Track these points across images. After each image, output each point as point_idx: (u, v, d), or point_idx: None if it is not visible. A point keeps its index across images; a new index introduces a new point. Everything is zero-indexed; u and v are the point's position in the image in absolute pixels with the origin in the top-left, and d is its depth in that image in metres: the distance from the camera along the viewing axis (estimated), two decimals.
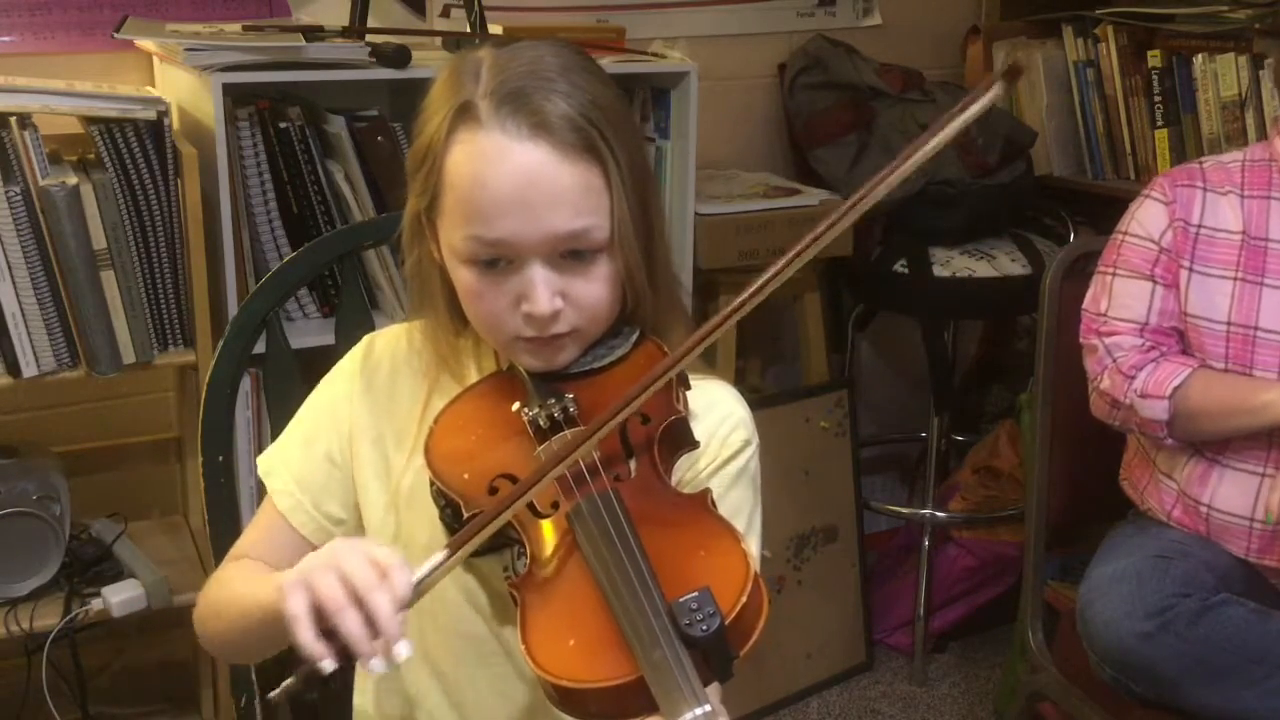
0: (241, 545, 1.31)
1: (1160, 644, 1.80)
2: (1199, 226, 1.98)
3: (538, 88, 1.12)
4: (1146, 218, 2.02)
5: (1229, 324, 1.95)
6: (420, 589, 1.04)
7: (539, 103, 1.12)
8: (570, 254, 1.14)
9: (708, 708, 0.92)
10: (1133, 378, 1.96)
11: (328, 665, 0.99)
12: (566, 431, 1.14)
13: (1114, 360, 1.99)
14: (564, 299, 1.15)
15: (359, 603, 0.99)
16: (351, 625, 0.99)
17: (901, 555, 3.08)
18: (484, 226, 1.12)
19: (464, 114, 1.13)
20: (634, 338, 1.22)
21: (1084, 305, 2.06)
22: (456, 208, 1.14)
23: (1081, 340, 2.05)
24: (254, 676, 1.55)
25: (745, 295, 1.09)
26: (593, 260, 1.15)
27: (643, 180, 1.18)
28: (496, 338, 1.20)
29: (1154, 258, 1.99)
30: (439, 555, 1.06)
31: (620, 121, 1.16)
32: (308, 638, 0.99)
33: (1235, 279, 1.95)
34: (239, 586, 1.22)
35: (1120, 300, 2.01)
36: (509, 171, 1.11)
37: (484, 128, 1.12)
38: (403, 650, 0.99)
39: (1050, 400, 2.15)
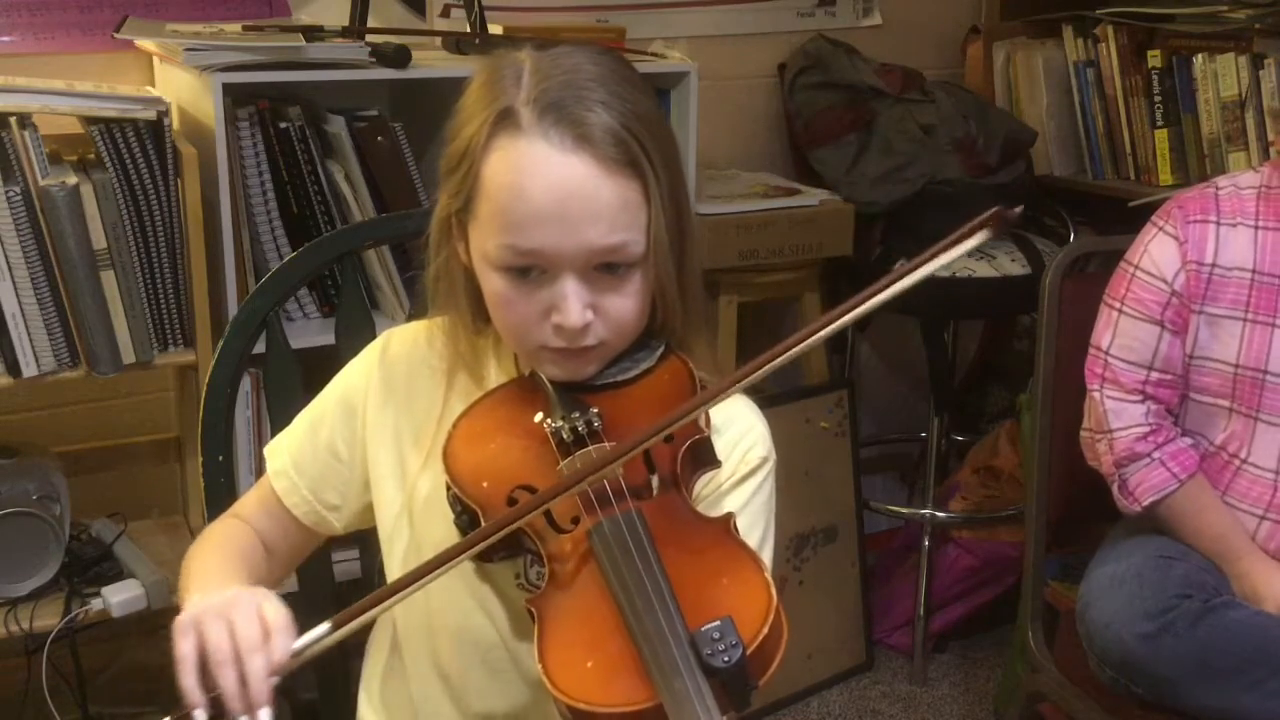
0: (239, 509, 1.34)
1: (1161, 645, 1.80)
2: (1212, 266, 1.92)
3: (580, 97, 1.11)
4: (1159, 254, 1.95)
5: (1237, 366, 1.91)
6: (300, 657, 1.06)
7: (582, 113, 1.10)
8: (604, 267, 1.13)
9: None
10: (1122, 468, 1.97)
11: (199, 716, 1.03)
12: (590, 447, 1.12)
13: (1110, 434, 1.98)
14: (595, 312, 1.14)
15: (238, 660, 1.02)
16: (227, 682, 1.03)
17: (901, 555, 3.08)
18: (520, 236, 1.11)
19: (505, 120, 1.12)
20: (660, 351, 1.20)
21: (1091, 339, 2.03)
22: (492, 215, 1.13)
23: (1086, 379, 2.03)
24: None
25: (811, 333, 1.08)
26: (626, 274, 1.14)
27: (679, 192, 1.17)
28: (522, 346, 1.19)
29: (1165, 300, 1.94)
30: (323, 627, 1.07)
31: (659, 132, 1.15)
32: (190, 684, 1.04)
33: (1245, 320, 1.91)
34: (199, 565, 1.25)
35: (1124, 341, 1.97)
36: (549, 184, 1.10)
37: (525, 136, 1.11)
38: (263, 717, 1.02)
39: (1050, 400, 2.15)
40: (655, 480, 1.12)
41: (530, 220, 1.10)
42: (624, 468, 1.10)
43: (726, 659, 0.96)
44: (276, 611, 1.07)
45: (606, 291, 1.14)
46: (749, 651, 0.97)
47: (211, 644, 1.03)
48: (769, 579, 1.03)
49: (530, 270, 1.13)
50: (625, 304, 1.15)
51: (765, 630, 0.99)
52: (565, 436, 1.13)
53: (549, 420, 1.15)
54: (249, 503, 1.34)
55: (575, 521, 1.09)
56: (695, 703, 0.94)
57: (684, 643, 0.97)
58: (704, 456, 1.16)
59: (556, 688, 0.99)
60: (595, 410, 1.15)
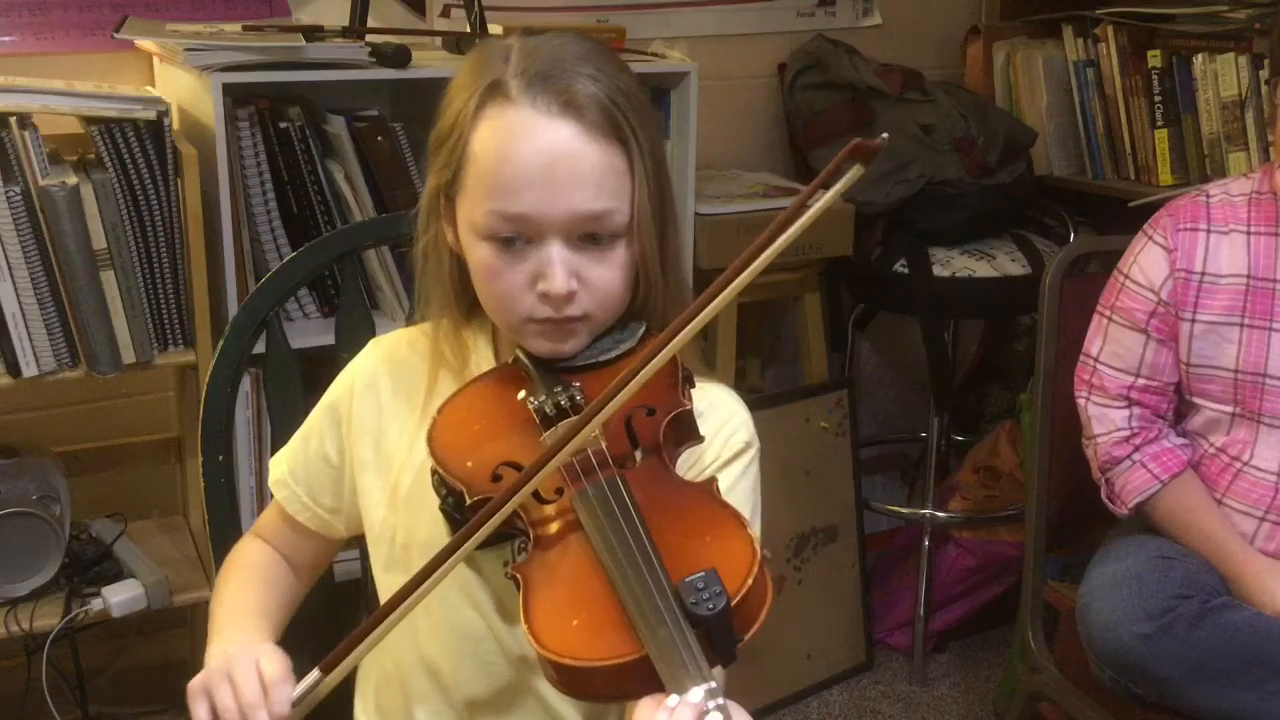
0: (259, 526, 1.39)
1: (1160, 646, 1.80)
2: (1202, 274, 1.94)
3: (567, 70, 1.14)
4: (1148, 264, 1.98)
5: (1236, 371, 1.92)
6: (300, 705, 1.10)
7: (568, 82, 1.13)
8: (589, 237, 1.15)
9: (713, 684, 0.93)
10: (1106, 471, 2.00)
11: None
12: (573, 419, 1.13)
13: (1095, 440, 2.02)
14: (579, 282, 1.15)
15: (244, 718, 1.09)
16: None
17: (901, 555, 3.08)
18: (507, 201, 1.13)
19: (493, 91, 1.15)
20: (641, 333, 1.22)
21: (1083, 347, 2.06)
22: (480, 182, 1.15)
23: (1074, 386, 2.06)
24: None
25: (748, 262, 1.07)
26: (610, 245, 1.16)
27: (662, 171, 1.20)
28: (508, 319, 1.20)
29: (1151, 309, 1.97)
30: (314, 675, 1.10)
31: (643, 110, 1.18)
32: None
33: (1241, 325, 1.92)
34: (226, 597, 1.31)
35: (1112, 348, 2.01)
36: (536, 147, 1.12)
37: (514, 103, 1.14)
38: None
39: (1050, 400, 2.15)
40: (638, 453, 1.13)
41: (518, 183, 1.13)
42: (607, 442, 1.12)
43: (711, 607, 0.97)
44: (272, 665, 1.12)
45: (591, 261, 1.16)
46: (733, 602, 0.98)
47: (220, 706, 1.10)
48: (752, 536, 1.04)
49: (516, 239, 1.15)
50: (609, 275, 1.17)
51: (749, 583, 1.00)
52: (549, 411, 1.15)
53: (532, 398, 1.17)
54: (265, 520, 1.39)
55: (560, 492, 1.10)
56: (681, 650, 0.95)
57: (668, 593, 0.98)
58: (687, 430, 1.17)
59: (542, 645, 1.00)
60: (578, 385, 1.16)
